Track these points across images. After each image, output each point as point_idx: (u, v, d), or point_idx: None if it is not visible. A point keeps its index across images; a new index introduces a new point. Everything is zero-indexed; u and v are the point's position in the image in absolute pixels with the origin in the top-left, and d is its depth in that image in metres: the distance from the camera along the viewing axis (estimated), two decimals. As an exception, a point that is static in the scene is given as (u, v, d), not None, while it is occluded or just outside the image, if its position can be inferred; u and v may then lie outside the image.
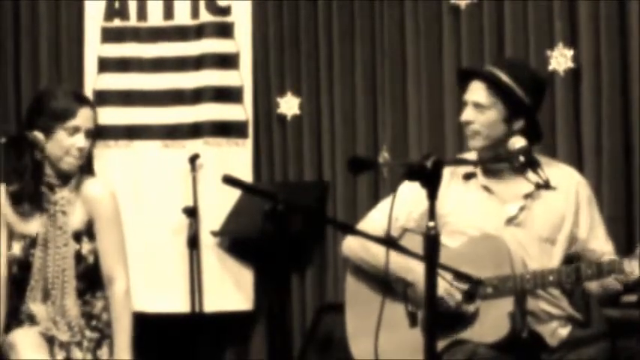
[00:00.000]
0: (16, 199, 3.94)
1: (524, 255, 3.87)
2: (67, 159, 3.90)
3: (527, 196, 3.93)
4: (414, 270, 3.81)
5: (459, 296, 3.79)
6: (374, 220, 4.03)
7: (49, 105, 3.91)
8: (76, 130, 3.90)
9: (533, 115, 3.96)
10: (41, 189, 3.92)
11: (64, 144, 3.89)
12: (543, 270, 3.80)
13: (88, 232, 3.94)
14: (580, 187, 4.00)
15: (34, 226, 3.93)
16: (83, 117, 3.92)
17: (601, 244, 3.98)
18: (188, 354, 5.36)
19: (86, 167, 3.99)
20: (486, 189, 3.97)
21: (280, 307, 5.23)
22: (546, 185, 3.80)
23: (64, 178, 3.94)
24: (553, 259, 3.91)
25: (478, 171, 3.98)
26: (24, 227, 3.94)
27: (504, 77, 3.92)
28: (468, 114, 3.94)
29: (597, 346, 3.83)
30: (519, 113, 3.92)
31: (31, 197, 3.92)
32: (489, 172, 3.99)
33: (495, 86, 3.91)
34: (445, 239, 3.78)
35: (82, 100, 3.98)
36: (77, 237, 3.93)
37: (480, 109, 3.92)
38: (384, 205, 4.09)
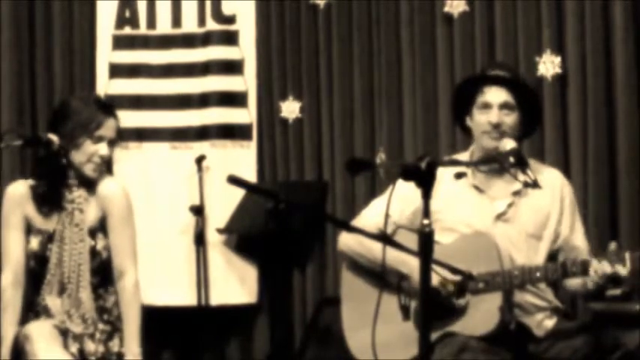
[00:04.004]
0: (38, 198, 3.93)
1: (512, 250, 3.87)
2: (90, 165, 3.91)
3: (516, 193, 3.93)
4: (408, 263, 3.81)
5: (451, 287, 3.78)
6: (368, 218, 4.02)
7: (77, 115, 3.91)
8: (100, 139, 3.91)
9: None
10: (62, 190, 3.92)
11: (87, 151, 3.90)
12: (531, 267, 3.80)
13: (102, 228, 3.95)
14: (564, 189, 4.03)
15: (52, 222, 3.94)
16: (108, 127, 3.94)
17: (580, 242, 4.00)
18: (194, 345, 5.36)
19: (106, 170, 4.00)
20: (477, 188, 3.97)
21: (282, 300, 5.23)
22: (534, 184, 3.79)
23: (85, 181, 3.94)
24: (539, 254, 3.93)
25: (469, 171, 3.97)
26: (42, 223, 3.95)
27: (520, 79, 4.01)
28: (497, 115, 3.90)
29: (582, 336, 3.83)
30: (533, 113, 3.97)
31: (53, 199, 3.91)
32: (480, 172, 3.98)
33: (517, 88, 3.92)
34: (436, 235, 3.78)
35: (108, 111, 3.97)
36: (92, 233, 3.94)
37: (507, 110, 3.90)
38: (376, 204, 4.09)
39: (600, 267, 3.69)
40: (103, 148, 3.92)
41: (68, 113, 3.93)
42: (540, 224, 3.94)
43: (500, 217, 3.93)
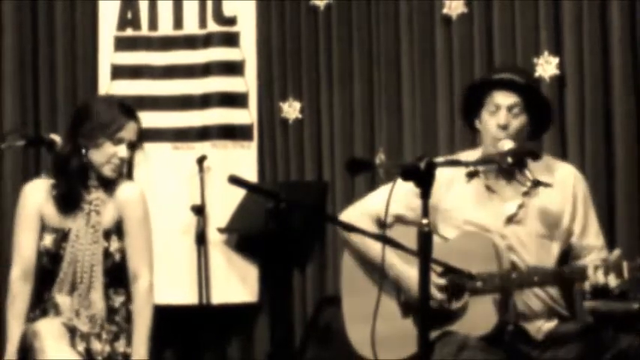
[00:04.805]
0: (57, 198, 3.93)
1: (523, 251, 3.83)
2: (108, 166, 3.92)
3: (526, 193, 3.88)
4: (394, 267, 3.81)
5: (440, 296, 3.77)
6: (371, 203, 3.99)
7: (98, 115, 3.90)
8: (119, 141, 3.91)
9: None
10: (82, 191, 3.92)
11: (106, 152, 3.90)
12: (529, 269, 3.77)
13: (117, 230, 3.95)
14: (577, 184, 3.94)
15: (68, 221, 3.94)
16: (129, 130, 3.93)
17: (593, 240, 3.92)
18: (196, 343, 5.36)
19: (126, 173, 4.00)
20: (488, 188, 3.91)
21: (283, 300, 5.22)
22: (539, 183, 3.77)
23: (104, 182, 3.93)
24: (551, 254, 3.87)
25: (481, 171, 3.94)
26: (58, 222, 3.95)
27: (529, 82, 3.94)
28: (505, 117, 3.84)
29: (579, 335, 3.81)
30: (542, 116, 3.93)
31: (72, 199, 3.91)
32: (492, 172, 3.93)
33: (526, 92, 3.88)
34: (448, 232, 3.78)
35: (130, 114, 3.96)
36: (107, 235, 3.94)
37: (515, 112, 3.87)
38: (382, 191, 4.03)
39: (594, 277, 3.65)
40: (122, 150, 3.92)
41: (90, 113, 3.93)
42: (552, 224, 3.88)
43: (511, 219, 3.88)
